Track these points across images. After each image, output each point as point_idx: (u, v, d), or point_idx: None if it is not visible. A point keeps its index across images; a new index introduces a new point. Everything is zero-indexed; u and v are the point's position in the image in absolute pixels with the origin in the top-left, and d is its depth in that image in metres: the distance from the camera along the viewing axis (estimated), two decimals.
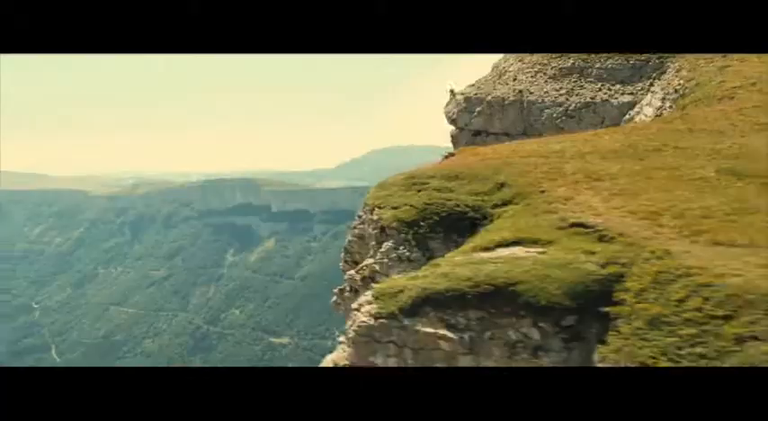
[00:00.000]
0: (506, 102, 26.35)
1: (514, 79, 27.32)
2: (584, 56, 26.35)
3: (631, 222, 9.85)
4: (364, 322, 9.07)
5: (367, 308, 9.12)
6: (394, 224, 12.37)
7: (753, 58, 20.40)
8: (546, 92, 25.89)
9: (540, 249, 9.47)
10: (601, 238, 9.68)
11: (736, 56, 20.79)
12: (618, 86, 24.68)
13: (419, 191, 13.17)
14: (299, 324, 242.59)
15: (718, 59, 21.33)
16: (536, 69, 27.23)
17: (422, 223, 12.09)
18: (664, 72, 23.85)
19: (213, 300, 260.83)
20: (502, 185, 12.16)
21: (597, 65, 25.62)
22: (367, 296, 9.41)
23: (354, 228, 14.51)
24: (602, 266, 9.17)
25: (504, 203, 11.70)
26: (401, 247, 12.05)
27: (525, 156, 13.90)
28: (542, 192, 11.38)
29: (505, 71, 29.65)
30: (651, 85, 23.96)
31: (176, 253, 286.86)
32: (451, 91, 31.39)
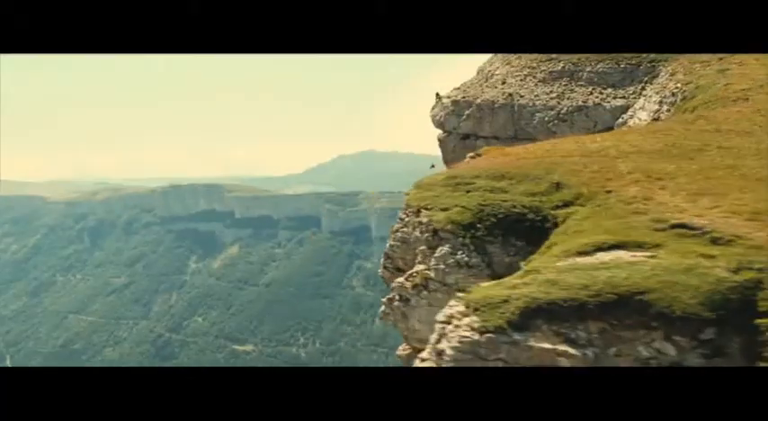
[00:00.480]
0: (496, 105, 25.76)
1: (503, 83, 26.76)
2: (573, 59, 25.96)
3: (738, 223, 9.08)
4: (467, 337, 8.02)
5: (466, 321, 8.05)
6: (448, 227, 11.39)
7: (750, 61, 20.17)
8: (536, 95, 25.37)
9: (649, 253, 8.52)
10: (714, 241, 8.74)
11: (733, 59, 20.54)
12: (609, 90, 24.30)
13: (468, 191, 12.27)
14: (263, 331, 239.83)
15: (714, 63, 21.06)
16: (525, 73, 26.72)
17: (478, 225, 11.16)
18: (656, 76, 23.53)
19: (175, 307, 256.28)
20: (558, 185, 11.36)
21: (588, 69, 25.21)
22: (456, 307, 8.39)
23: (396, 231, 13.48)
24: (734, 272, 8.23)
25: (566, 204, 10.87)
26: (459, 252, 11.09)
27: (565, 155, 13.19)
28: (609, 191, 10.63)
29: (492, 74, 29.11)
30: (643, 88, 23.62)
31: (137, 260, 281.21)
32: (437, 94, 30.73)
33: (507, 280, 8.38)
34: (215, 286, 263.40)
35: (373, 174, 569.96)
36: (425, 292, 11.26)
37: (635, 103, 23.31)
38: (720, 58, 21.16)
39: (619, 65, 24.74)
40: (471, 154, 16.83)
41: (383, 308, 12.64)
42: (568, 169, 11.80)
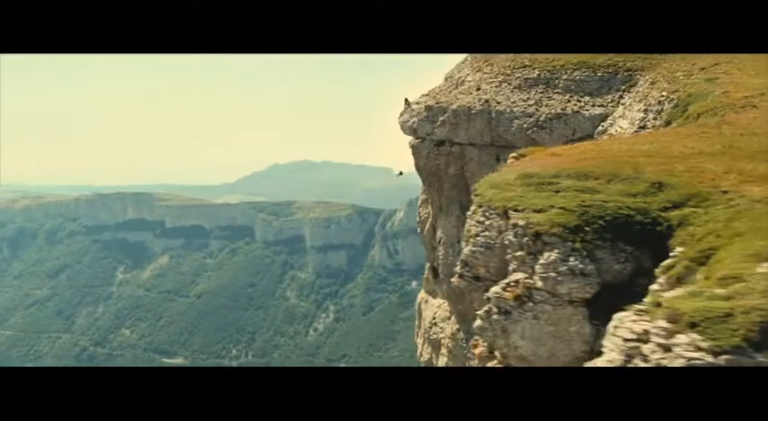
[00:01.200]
0: (473, 111, 25.14)
1: (478, 89, 26.22)
2: (549, 67, 25.66)
3: None
4: (696, 359, 6.81)
5: (682, 339, 6.86)
6: (554, 230, 10.24)
7: (734, 70, 20.25)
8: (513, 102, 24.90)
9: None
10: None
11: (717, 69, 20.59)
12: (587, 98, 24.06)
13: (557, 191, 11.25)
14: (194, 343, 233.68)
15: (696, 72, 21.07)
16: (500, 79, 26.26)
17: (586, 229, 10.07)
18: (633, 84, 23.45)
19: (102, 320, 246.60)
20: (660, 185, 10.49)
21: (564, 76, 24.93)
22: (657, 322, 7.24)
23: (476, 235, 12.21)
24: None
25: (675, 206, 10.01)
26: (571, 258, 9.96)
27: (632, 155, 12.46)
28: (725, 192, 9.86)
29: (462, 81, 28.57)
30: (621, 97, 23.49)
31: (61, 270, 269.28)
32: (406, 100, 29.98)
33: (696, 289, 7.35)
34: (144, 297, 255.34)
35: (307, 183, 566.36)
36: (530, 304, 10.14)
37: (614, 111, 23.13)
38: (702, 69, 21.19)
39: (595, 73, 24.57)
40: (514, 154, 15.98)
41: (479, 322, 11.14)
42: (658, 169, 11.05)
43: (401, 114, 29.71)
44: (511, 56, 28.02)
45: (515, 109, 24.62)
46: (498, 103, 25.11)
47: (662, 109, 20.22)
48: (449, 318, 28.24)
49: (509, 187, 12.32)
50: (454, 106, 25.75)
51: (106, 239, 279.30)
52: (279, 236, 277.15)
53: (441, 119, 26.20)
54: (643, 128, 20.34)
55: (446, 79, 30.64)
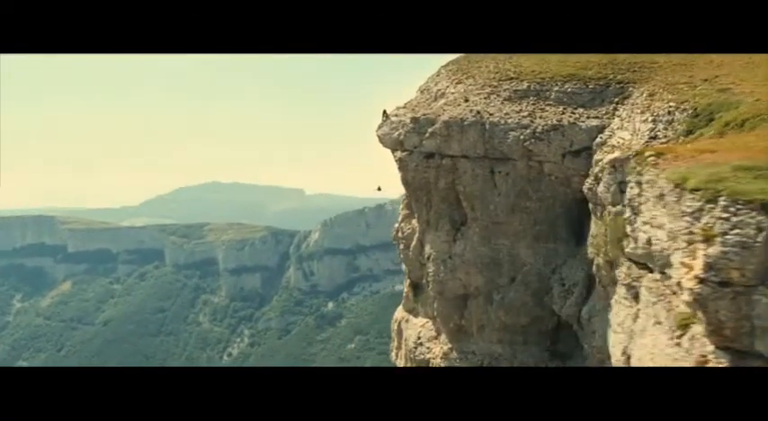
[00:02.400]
0: (465, 123, 24.25)
1: (466, 100, 25.41)
2: (538, 79, 25.23)
3: None
4: None
5: None
6: None
7: (737, 80, 20.38)
8: (506, 113, 24.21)
9: None
10: None
11: (725, 80, 20.65)
12: (580, 110, 23.71)
13: None
14: None
15: (699, 83, 21.09)
16: (487, 91, 25.57)
17: None
18: (627, 96, 23.30)
19: None
20: None
21: (555, 88, 24.52)
22: None
23: (724, 234, 10.59)
24: None
25: None
26: None
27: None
28: None
29: (443, 93, 27.75)
30: (615, 109, 23.28)
31: None
32: (384, 112, 28.84)
33: None
34: (44, 326, 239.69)
35: (217, 205, 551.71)
36: None
37: (610, 123, 22.84)
38: (705, 80, 21.24)
39: (587, 85, 24.31)
40: (651, 153, 14.87)
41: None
42: None
43: (380, 127, 28.53)
44: (492, 67, 27.49)
45: (509, 120, 23.95)
46: (491, 114, 24.37)
47: (672, 119, 20.00)
48: (436, 338, 27.04)
49: (731, 179, 11.08)
50: (445, 118, 24.81)
51: (1, 266, 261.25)
52: (190, 259, 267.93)
53: (429, 130, 25.17)
54: (654, 138, 20.04)
55: (422, 92, 29.77)
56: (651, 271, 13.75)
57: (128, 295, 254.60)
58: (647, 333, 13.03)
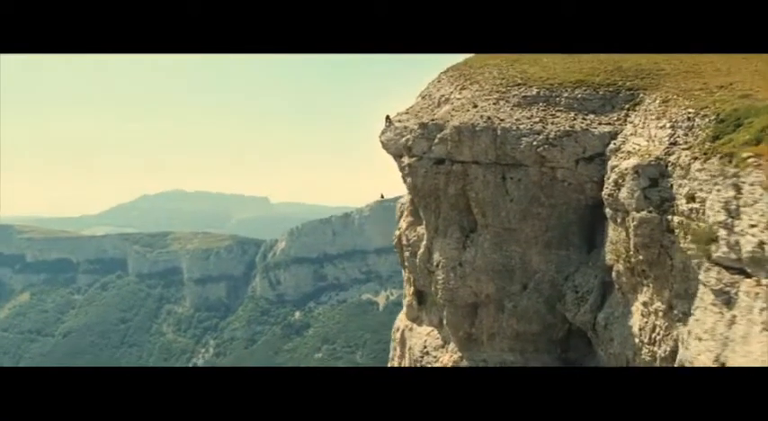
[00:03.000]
0: (477, 128, 23.87)
1: (475, 106, 25.05)
2: (546, 85, 25.02)
3: None
4: None
5: None
6: None
7: (755, 87, 20.42)
8: (517, 119, 23.90)
9: None
10: None
11: (741, 86, 20.67)
12: (591, 116, 23.52)
13: None
14: None
15: (714, 90, 21.08)
16: (495, 97, 25.24)
17: None
18: (638, 103, 23.19)
19: None
20: None
21: (565, 94, 24.32)
22: None
23: None
24: None
25: None
26: None
27: None
28: None
29: (447, 99, 27.36)
30: (627, 115, 23.15)
31: None
32: (387, 117, 28.34)
33: None
34: (1, 338, 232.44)
35: (180, 214, 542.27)
36: None
37: (623, 129, 22.70)
38: (721, 87, 21.23)
39: (597, 91, 24.16)
40: (750, 154, 14.43)
41: None
42: None
43: (383, 132, 28.04)
44: (497, 73, 27.22)
45: (521, 126, 23.65)
46: (501, 120, 24.05)
47: (693, 125, 19.89)
48: (443, 347, 26.53)
49: None
50: (455, 123, 24.40)
51: None
52: (154, 268, 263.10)
53: (438, 136, 24.74)
54: (674, 144, 19.89)
55: (423, 98, 29.36)
56: (749, 276, 13.44)
57: (89, 306, 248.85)
58: (751, 340, 12.70)
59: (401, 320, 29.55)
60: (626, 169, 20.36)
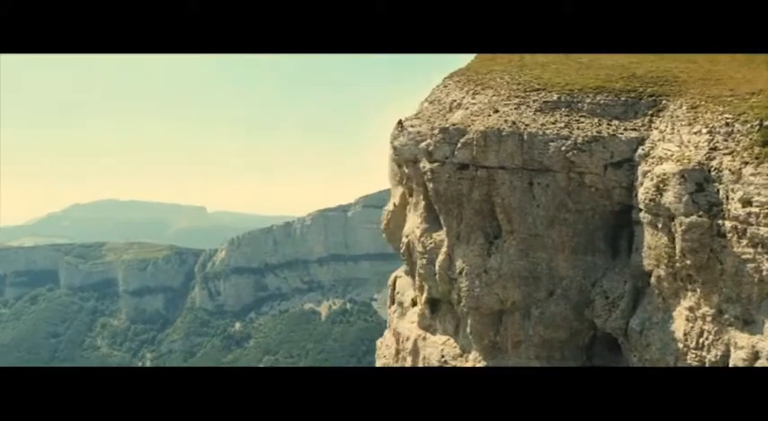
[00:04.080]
0: (504, 133, 23.38)
1: (496, 111, 24.57)
2: (567, 90, 24.80)
3: None
4: None
5: None
6: None
7: None
8: (542, 124, 23.55)
9: None
10: None
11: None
12: (616, 122, 23.40)
13: None
14: None
15: (745, 96, 21.24)
16: (516, 102, 24.82)
17: None
18: (661, 109, 23.20)
19: None
20: None
21: (587, 100, 24.14)
22: None
23: None
24: None
25: None
26: None
27: None
28: None
29: (459, 104, 26.78)
30: (651, 121, 23.13)
31: None
32: (400, 122, 27.56)
33: None
34: None
35: (115, 224, 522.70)
36: None
37: (649, 134, 22.65)
38: (752, 93, 21.43)
39: (618, 97, 24.05)
40: None
41: None
42: None
43: (395, 137, 27.26)
44: (508, 79, 26.80)
45: (547, 131, 23.30)
46: (526, 125, 23.64)
47: (732, 131, 19.99)
48: (461, 355, 25.80)
49: None
50: (479, 128, 23.84)
51: None
52: (87, 280, 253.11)
53: (461, 141, 24.13)
54: (714, 149, 19.93)
55: (430, 103, 28.69)
56: None
57: (17, 320, 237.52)
58: None
59: (409, 330, 28.68)
60: (666, 174, 20.25)
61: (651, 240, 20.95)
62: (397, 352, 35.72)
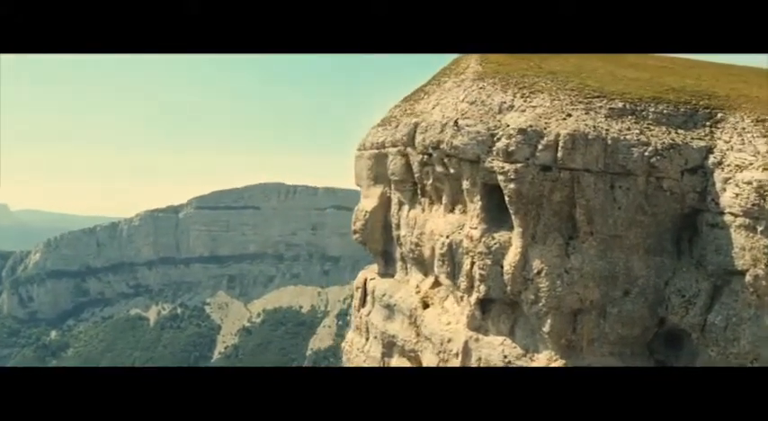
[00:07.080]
0: (590, 137, 23.52)
1: (569, 115, 24.63)
2: (627, 97, 25.48)
3: None
4: None
5: None
6: None
7: None
8: (619, 130, 24.05)
9: None
10: None
11: None
12: (681, 131, 24.54)
13: None
14: None
15: None
16: (581, 108, 25.03)
17: None
18: (718, 121, 24.63)
19: None
20: None
21: (651, 109, 25.03)
22: None
23: None
24: None
25: None
26: None
27: None
28: None
29: (509, 106, 26.50)
30: (712, 131, 24.50)
31: None
32: (456, 122, 26.66)
33: None
34: None
35: None
36: None
37: (716, 144, 24.01)
38: None
39: (678, 108, 25.25)
40: None
41: None
42: None
43: (453, 136, 26.42)
44: (560, 83, 27.05)
45: (627, 136, 23.85)
46: (606, 130, 24.02)
47: None
48: (525, 355, 25.44)
49: None
50: (565, 131, 23.79)
51: None
52: None
53: (542, 142, 23.94)
54: None
55: (471, 104, 28.06)
56: None
57: None
58: None
59: (457, 332, 27.73)
60: (760, 180, 21.65)
61: (745, 242, 22.18)
62: (383, 355, 34.54)
